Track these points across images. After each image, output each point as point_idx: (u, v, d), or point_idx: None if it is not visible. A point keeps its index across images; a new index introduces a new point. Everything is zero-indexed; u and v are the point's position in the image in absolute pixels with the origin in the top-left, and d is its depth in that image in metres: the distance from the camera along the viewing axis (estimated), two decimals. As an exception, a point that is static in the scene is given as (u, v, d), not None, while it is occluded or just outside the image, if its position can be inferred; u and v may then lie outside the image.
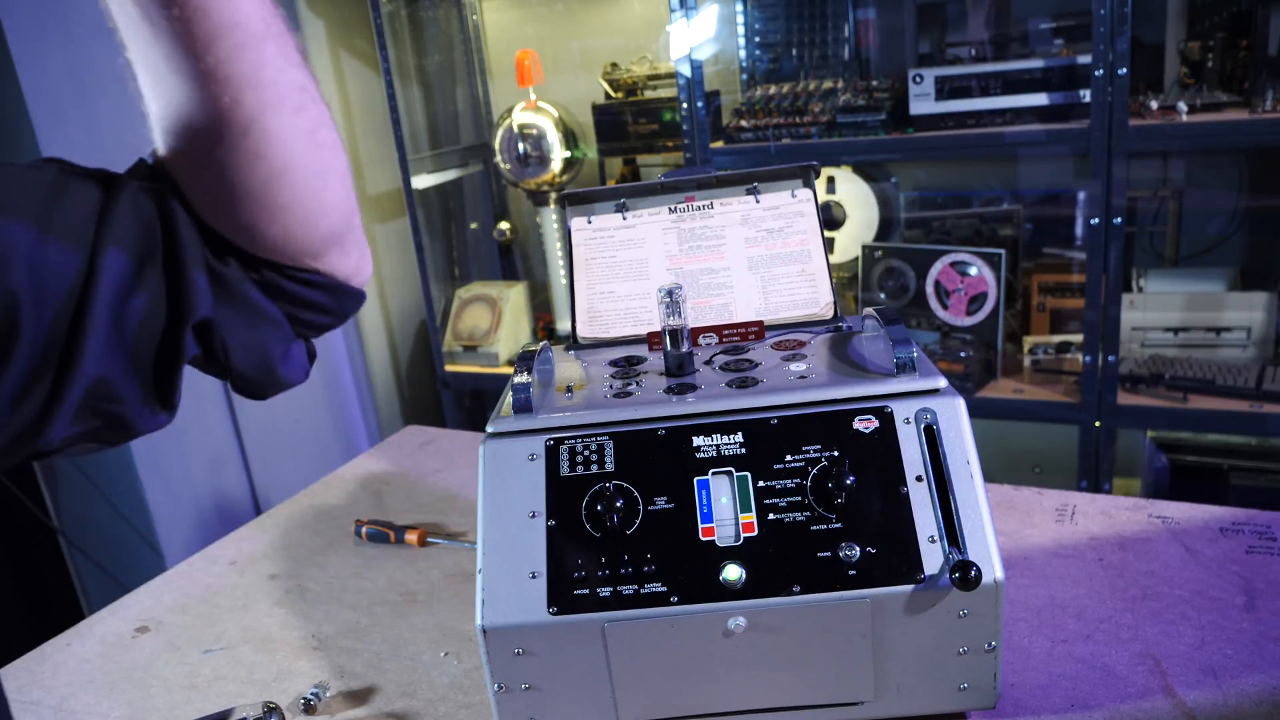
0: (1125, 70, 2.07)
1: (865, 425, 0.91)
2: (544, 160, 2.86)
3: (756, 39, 2.90)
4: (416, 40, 3.13)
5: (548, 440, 0.94)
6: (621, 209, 1.20)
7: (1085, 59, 2.21)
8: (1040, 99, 2.31)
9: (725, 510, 0.90)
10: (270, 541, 1.50)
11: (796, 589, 0.86)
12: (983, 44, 2.60)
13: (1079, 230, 2.67)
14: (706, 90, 2.55)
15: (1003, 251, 2.48)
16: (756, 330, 1.12)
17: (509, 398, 0.97)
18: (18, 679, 1.20)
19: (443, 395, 3.11)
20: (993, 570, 0.84)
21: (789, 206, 1.18)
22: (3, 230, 0.52)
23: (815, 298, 1.15)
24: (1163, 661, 0.99)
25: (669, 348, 1.03)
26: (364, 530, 1.46)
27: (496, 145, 2.90)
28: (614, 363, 1.10)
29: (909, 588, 0.85)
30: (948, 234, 2.74)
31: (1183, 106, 2.17)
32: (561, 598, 0.87)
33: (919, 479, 0.89)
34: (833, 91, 2.59)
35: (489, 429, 0.96)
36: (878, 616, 0.86)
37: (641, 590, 0.87)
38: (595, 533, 0.89)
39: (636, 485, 0.91)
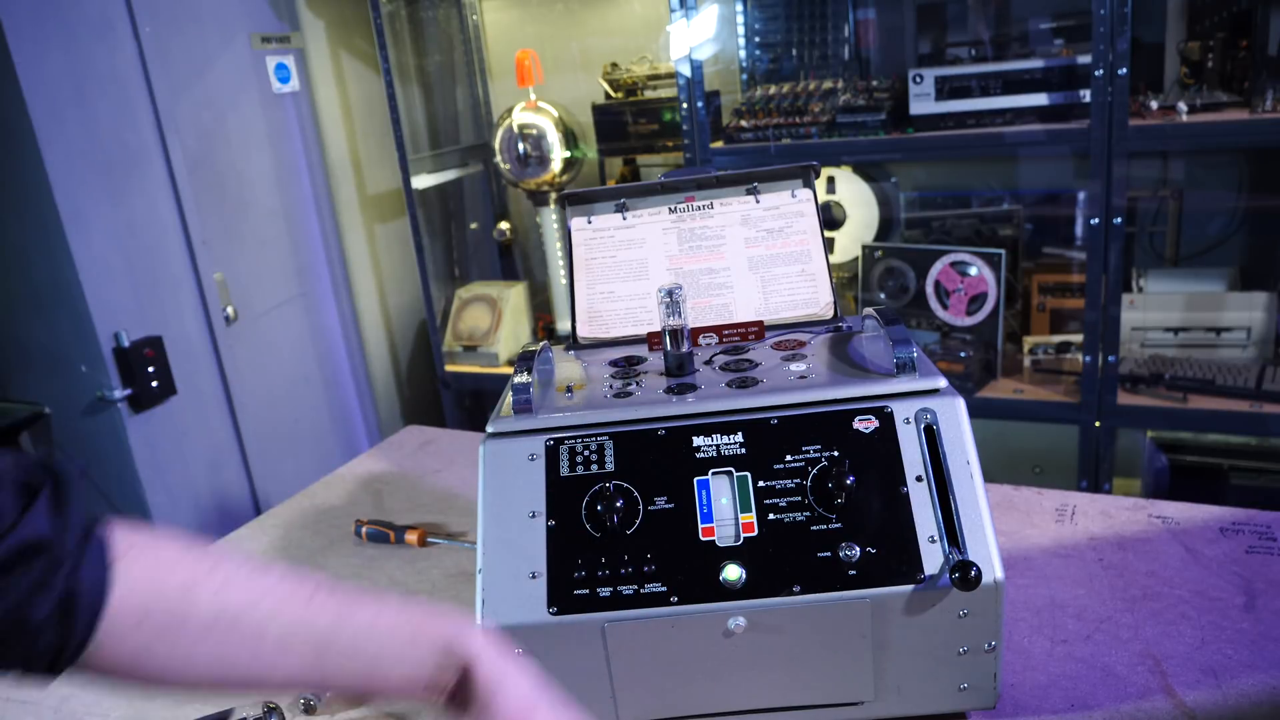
0: (1125, 70, 2.07)
1: (865, 425, 0.91)
2: (544, 160, 2.85)
3: (756, 39, 2.90)
4: (416, 40, 3.13)
5: (548, 440, 0.94)
6: (621, 209, 1.20)
7: (1085, 59, 2.21)
8: (1040, 99, 2.31)
9: (725, 510, 0.90)
10: (270, 541, 1.50)
11: (796, 589, 0.86)
12: (983, 44, 2.60)
13: (1079, 230, 2.67)
14: (706, 90, 2.55)
15: (1003, 251, 2.48)
16: (756, 330, 1.12)
17: (509, 398, 0.97)
18: (18, 679, 1.19)
19: (443, 395, 3.11)
20: (993, 570, 0.84)
21: (789, 206, 1.18)
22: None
23: (815, 298, 1.15)
24: (1163, 661, 0.99)
25: (669, 348, 1.03)
26: (364, 530, 1.46)
27: (496, 145, 2.90)
28: (614, 363, 1.10)
29: (909, 588, 0.85)
30: (948, 234, 2.74)
31: (1183, 106, 2.17)
32: (561, 598, 0.87)
33: (919, 479, 0.89)
34: (833, 91, 2.59)
35: (489, 429, 0.96)
36: (878, 616, 0.86)
37: (641, 590, 0.87)
38: (595, 533, 0.89)
39: (636, 485, 0.91)
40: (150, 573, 0.67)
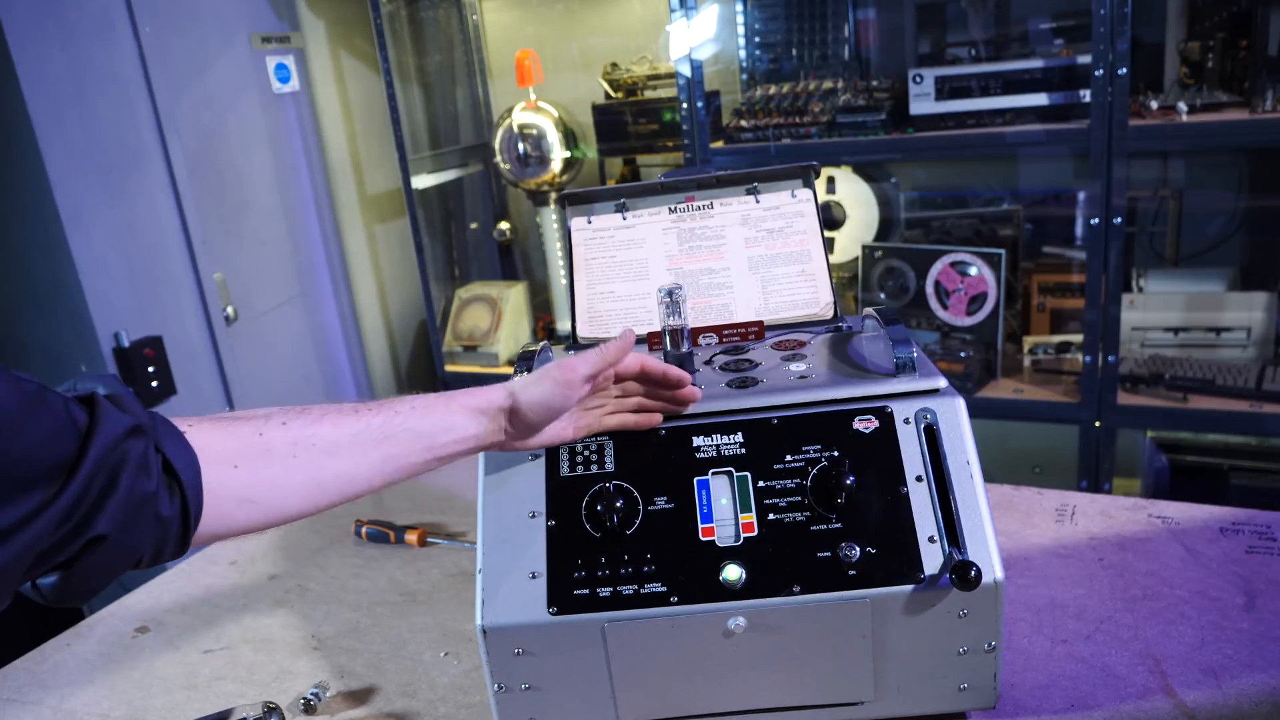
0: (1125, 70, 2.07)
1: (865, 425, 0.91)
2: (544, 160, 2.85)
3: (756, 39, 2.90)
4: (416, 40, 3.13)
5: (548, 440, 0.94)
6: (621, 209, 1.20)
7: (1085, 59, 2.21)
8: (1040, 99, 2.31)
9: (725, 510, 0.90)
10: (270, 541, 1.50)
11: (796, 589, 0.86)
12: (983, 44, 2.60)
13: (1079, 230, 2.67)
14: (706, 90, 2.55)
15: (1003, 251, 2.48)
16: (756, 330, 1.12)
17: (509, 398, 0.97)
18: (18, 679, 1.20)
19: (443, 395, 3.11)
20: (993, 570, 0.84)
21: (789, 206, 1.18)
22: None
23: (815, 298, 1.15)
24: (1163, 661, 0.99)
25: (669, 348, 1.03)
26: (364, 530, 1.46)
27: (496, 145, 2.90)
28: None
29: (909, 588, 0.85)
30: (948, 234, 2.74)
31: (1183, 106, 2.17)
32: (561, 598, 0.87)
33: (919, 479, 0.89)
34: (833, 91, 2.59)
35: (489, 429, 0.96)
36: (878, 616, 0.86)
37: (641, 590, 0.87)
38: (595, 533, 0.89)
39: (636, 485, 0.91)
40: (218, 432, 0.75)
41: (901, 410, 0.91)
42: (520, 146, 2.85)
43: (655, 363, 0.91)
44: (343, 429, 0.80)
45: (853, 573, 0.85)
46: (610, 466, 0.92)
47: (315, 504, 0.81)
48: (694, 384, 0.99)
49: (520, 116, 2.84)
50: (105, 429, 0.65)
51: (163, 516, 0.69)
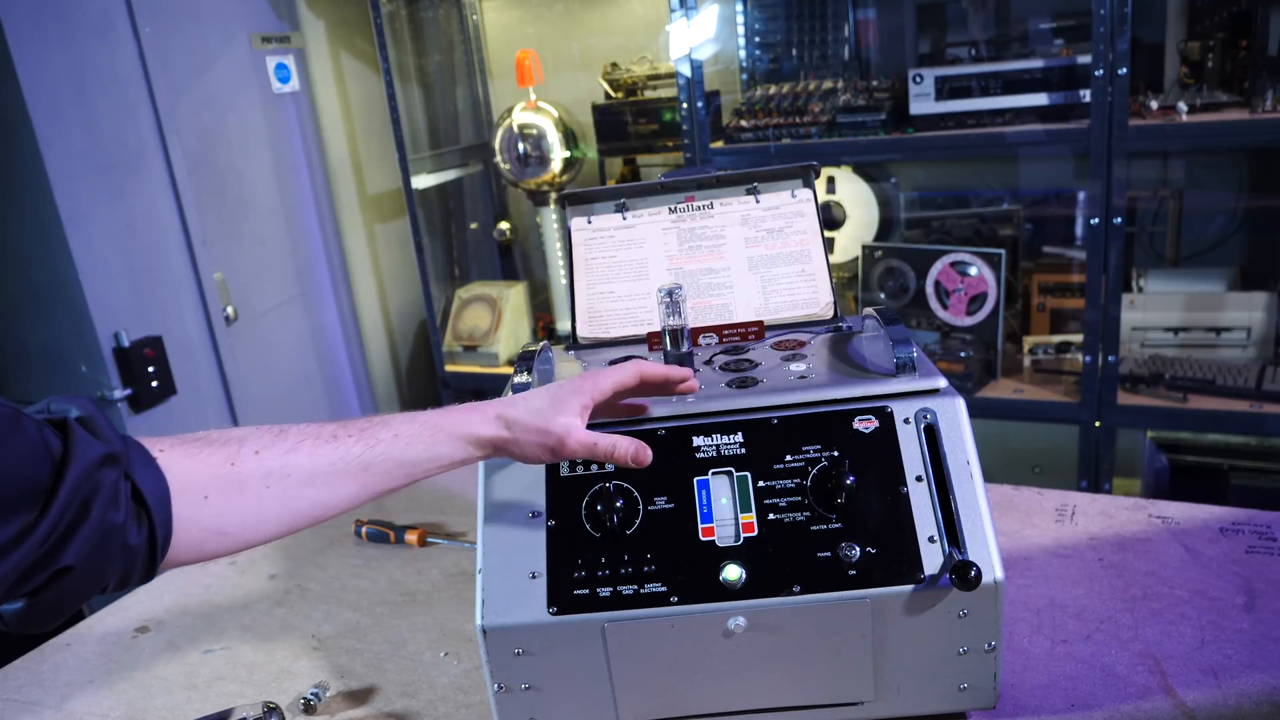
0: (1125, 70, 2.07)
1: (865, 425, 0.91)
2: (544, 160, 2.85)
3: (756, 39, 2.90)
4: (416, 40, 3.13)
5: (548, 440, 0.94)
6: (621, 209, 1.20)
7: (1085, 59, 2.21)
8: (1040, 99, 2.31)
9: (725, 510, 0.90)
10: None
11: (796, 589, 0.86)
12: (983, 44, 2.60)
13: (1079, 230, 2.67)
14: (706, 90, 2.55)
15: (1003, 251, 2.48)
16: (756, 330, 1.12)
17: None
18: (18, 679, 1.20)
19: (443, 395, 3.11)
20: (993, 570, 0.84)
21: (789, 206, 1.18)
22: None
23: (815, 298, 1.15)
24: (1163, 661, 0.99)
25: (669, 348, 1.03)
26: (364, 530, 1.46)
27: (496, 145, 2.90)
28: (614, 363, 1.10)
29: (909, 588, 0.85)
30: (948, 234, 2.74)
31: (1183, 106, 2.17)
32: (561, 598, 0.87)
33: (919, 479, 0.89)
34: (833, 91, 2.59)
35: (489, 429, 0.96)
36: (878, 616, 0.86)
37: (641, 590, 0.87)
38: (595, 533, 0.89)
39: (636, 485, 0.91)
40: (191, 459, 0.74)
41: (901, 410, 0.91)
42: (520, 146, 2.85)
43: (653, 369, 0.90)
44: (319, 457, 0.78)
45: (853, 573, 0.85)
46: (610, 466, 0.92)
47: (289, 529, 0.79)
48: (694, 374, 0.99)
49: (520, 116, 2.84)
50: (79, 456, 0.64)
51: (130, 546, 0.68)
